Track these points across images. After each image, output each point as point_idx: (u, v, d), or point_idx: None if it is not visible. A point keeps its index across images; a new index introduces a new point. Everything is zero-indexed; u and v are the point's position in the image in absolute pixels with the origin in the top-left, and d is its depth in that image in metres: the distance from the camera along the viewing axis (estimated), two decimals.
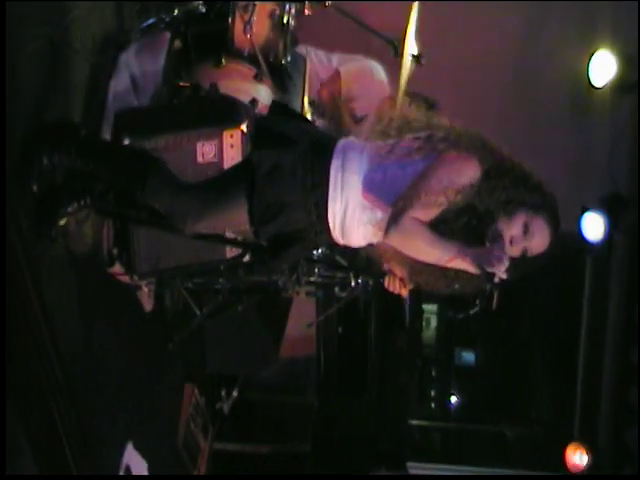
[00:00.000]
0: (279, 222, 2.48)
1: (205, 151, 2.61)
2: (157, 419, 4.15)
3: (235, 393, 5.25)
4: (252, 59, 3.38)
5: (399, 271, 2.67)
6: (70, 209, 2.70)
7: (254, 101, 3.14)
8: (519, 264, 2.36)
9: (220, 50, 3.36)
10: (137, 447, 3.68)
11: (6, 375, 2.64)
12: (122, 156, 2.63)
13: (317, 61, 3.99)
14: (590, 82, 4.83)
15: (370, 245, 2.56)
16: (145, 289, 3.78)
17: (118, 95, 3.25)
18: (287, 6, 3.42)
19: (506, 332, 6.96)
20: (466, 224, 2.35)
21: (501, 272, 2.24)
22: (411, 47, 3.50)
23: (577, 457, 5.41)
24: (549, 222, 2.38)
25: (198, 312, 4.33)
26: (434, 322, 7.27)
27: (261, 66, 3.36)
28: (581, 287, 5.64)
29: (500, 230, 2.34)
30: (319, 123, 3.90)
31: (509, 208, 2.35)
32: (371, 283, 4.09)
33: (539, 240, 2.38)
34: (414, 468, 5.83)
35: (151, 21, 3.55)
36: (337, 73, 3.97)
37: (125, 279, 3.30)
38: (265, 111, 3.08)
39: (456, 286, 2.46)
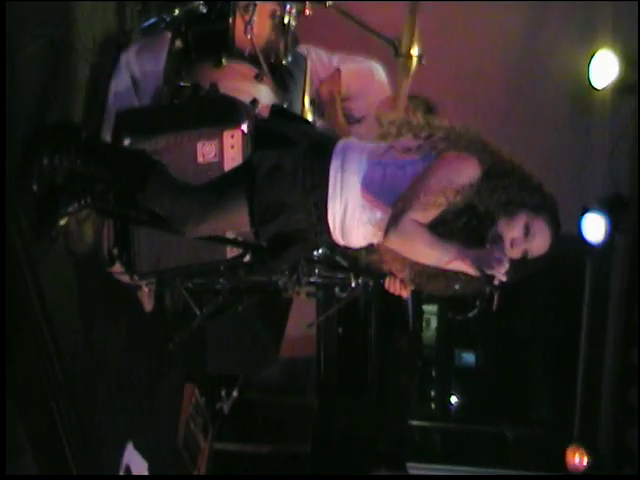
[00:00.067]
0: (279, 222, 2.49)
1: (205, 151, 2.62)
2: (157, 419, 4.15)
3: (235, 393, 5.25)
4: (253, 59, 3.38)
5: (399, 272, 2.67)
6: (70, 209, 2.71)
7: (255, 101, 3.15)
8: (519, 266, 2.35)
9: (221, 50, 3.37)
10: (137, 447, 3.68)
11: (6, 375, 2.64)
12: (123, 158, 2.63)
13: (318, 61, 3.98)
14: (590, 83, 4.82)
15: (370, 245, 2.56)
16: (145, 289, 3.78)
17: (119, 95, 3.25)
18: (288, 6, 3.43)
19: (506, 333, 6.96)
20: (466, 225, 2.35)
21: (501, 274, 2.24)
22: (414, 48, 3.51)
23: (577, 457, 5.41)
24: (550, 223, 2.38)
25: (198, 312, 4.33)
26: (434, 323, 7.27)
27: (262, 66, 3.36)
28: (581, 288, 5.64)
29: (500, 232, 2.34)
30: (320, 123, 3.90)
31: (510, 209, 2.34)
32: (371, 284, 4.09)
33: (540, 242, 2.38)
34: (414, 468, 5.83)
35: (152, 21, 3.55)
36: (338, 71, 3.97)
37: (125, 279, 3.30)
38: (266, 111, 3.09)
39: (456, 287, 2.46)
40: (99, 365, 3.36)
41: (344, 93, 3.98)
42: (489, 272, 2.24)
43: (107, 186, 2.69)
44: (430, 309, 7.18)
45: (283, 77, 3.60)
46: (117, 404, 3.53)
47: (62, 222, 2.73)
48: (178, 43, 3.46)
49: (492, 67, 5.02)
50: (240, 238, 2.82)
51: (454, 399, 7.73)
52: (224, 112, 2.71)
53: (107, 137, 2.94)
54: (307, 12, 3.54)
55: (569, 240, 4.26)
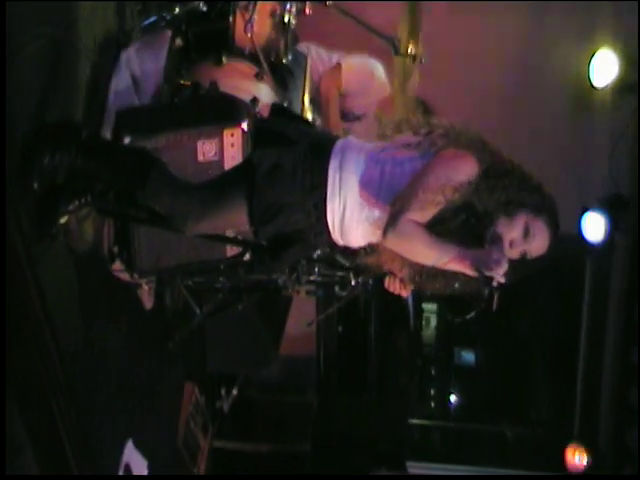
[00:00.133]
0: (278, 222, 2.49)
1: (206, 150, 2.62)
2: (157, 417, 4.15)
3: (235, 392, 5.25)
4: (253, 58, 3.38)
5: (398, 272, 2.67)
6: (71, 208, 2.71)
7: (255, 100, 3.15)
8: (518, 266, 2.35)
9: (221, 49, 3.37)
10: (137, 445, 3.68)
11: (6, 374, 2.64)
12: (123, 156, 2.63)
13: (318, 59, 3.99)
14: (590, 82, 4.83)
15: (369, 245, 2.56)
16: (145, 287, 3.78)
17: (119, 94, 3.25)
18: (288, 5, 3.43)
19: (506, 332, 6.96)
20: (464, 224, 2.34)
21: (499, 276, 2.23)
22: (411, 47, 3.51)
23: (577, 457, 5.42)
24: (549, 224, 2.37)
25: (198, 311, 4.33)
26: (434, 321, 7.27)
27: (262, 65, 3.36)
28: (581, 287, 5.64)
29: (500, 232, 2.33)
30: (319, 122, 3.90)
31: (509, 209, 2.34)
32: (371, 283, 4.09)
33: (539, 243, 2.37)
34: (414, 467, 5.84)
35: (152, 20, 3.55)
36: (339, 66, 3.97)
37: (125, 277, 3.30)
38: (266, 110, 3.09)
39: (455, 286, 2.45)
40: (99, 363, 3.36)
41: (344, 88, 3.99)
42: (487, 273, 2.24)
43: (107, 185, 2.69)
44: (430, 308, 7.18)
45: (283, 76, 3.61)
46: (117, 403, 3.53)
47: (62, 221, 2.74)
48: (178, 42, 3.46)
49: (492, 67, 5.02)
50: (240, 237, 2.82)
51: (454, 398, 7.73)
52: (224, 110, 2.72)
53: (107, 136, 2.94)
54: (307, 11, 3.54)
55: (569, 240, 4.28)
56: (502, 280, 2.25)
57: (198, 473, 4.76)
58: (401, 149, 2.47)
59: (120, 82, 3.26)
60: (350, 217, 2.46)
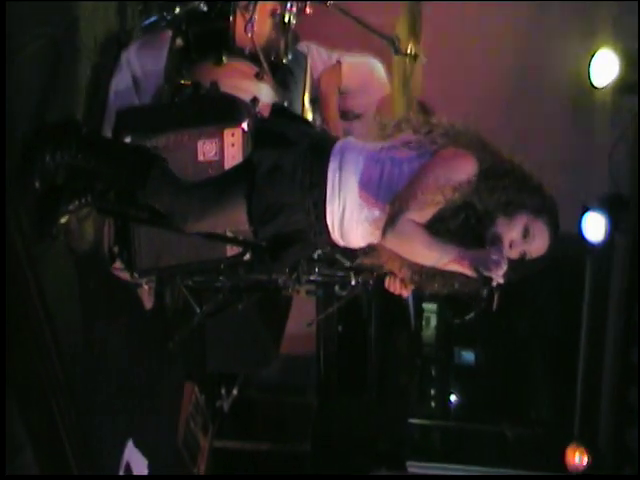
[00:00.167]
0: (278, 222, 2.49)
1: (206, 149, 2.62)
2: (157, 417, 4.15)
3: (235, 391, 5.25)
4: (253, 58, 3.38)
5: (398, 272, 2.67)
6: (71, 207, 2.71)
7: (255, 99, 3.15)
8: (517, 267, 2.35)
9: (221, 49, 3.37)
10: (137, 445, 3.68)
11: (7, 374, 2.65)
12: (123, 153, 2.64)
13: (318, 58, 3.99)
14: (591, 82, 4.83)
15: (369, 245, 2.56)
16: (145, 287, 3.79)
17: (119, 94, 3.25)
18: (288, 5, 3.43)
19: (506, 332, 6.95)
20: (464, 224, 2.34)
21: (498, 276, 2.23)
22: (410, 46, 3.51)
23: (577, 457, 5.41)
24: (549, 225, 2.37)
25: (198, 310, 4.33)
26: (434, 321, 7.26)
27: (262, 65, 3.36)
28: (581, 287, 5.64)
29: (499, 232, 2.33)
30: (319, 122, 3.90)
31: (509, 210, 2.33)
32: (371, 282, 4.09)
33: (539, 243, 2.37)
34: (414, 467, 5.84)
35: (153, 20, 3.56)
36: (338, 63, 3.97)
37: (125, 277, 3.30)
38: (266, 109, 3.09)
39: (454, 286, 2.45)
40: (99, 363, 3.37)
41: (343, 86, 3.99)
42: (486, 274, 2.23)
43: (107, 184, 2.69)
44: (430, 307, 7.18)
45: (284, 76, 3.61)
46: (117, 402, 3.54)
47: (63, 220, 2.74)
48: (179, 42, 3.46)
49: (492, 67, 5.03)
50: (240, 237, 2.82)
51: (454, 398, 7.73)
52: (224, 110, 2.72)
53: (108, 135, 2.95)
54: (307, 11, 3.54)
55: (569, 239, 4.27)
56: (501, 281, 2.24)
57: (198, 473, 4.76)
58: (400, 149, 2.47)
59: (121, 82, 3.27)
60: (350, 218, 2.46)
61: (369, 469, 5.45)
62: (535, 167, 2.43)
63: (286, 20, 3.42)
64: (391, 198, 2.39)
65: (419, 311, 6.93)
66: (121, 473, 3.54)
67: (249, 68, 3.39)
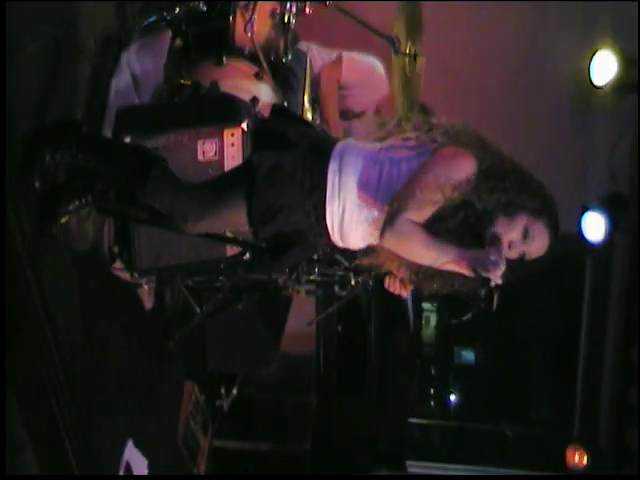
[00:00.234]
0: (278, 223, 2.49)
1: (206, 149, 2.63)
2: (157, 417, 4.16)
3: (235, 391, 5.25)
4: (253, 57, 3.39)
5: (398, 272, 2.67)
6: (71, 207, 2.71)
7: (255, 99, 3.15)
8: (516, 267, 2.35)
9: (221, 49, 3.37)
10: (137, 444, 3.68)
11: (7, 374, 2.65)
12: (123, 154, 2.64)
13: (318, 57, 3.98)
14: (591, 82, 4.82)
15: (369, 247, 2.56)
16: (145, 287, 3.79)
17: (119, 93, 3.25)
18: (288, 5, 3.43)
19: (506, 331, 6.95)
20: (464, 223, 2.34)
21: (496, 277, 2.22)
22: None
23: (577, 457, 5.41)
24: (549, 227, 2.37)
25: (198, 310, 4.33)
26: (434, 321, 7.26)
27: (262, 64, 3.36)
28: (581, 287, 5.64)
29: (499, 233, 2.33)
30: (319, 122, 3.90)
31: (509, 210, 2.33)
32: (371, 282, 4.09)
33: (538, 244, 2.37)
34: (413, 467, 5.84)
35: (152, 20, 3.56)
36: (339, 58, 3.96)
37: (125, 277, 3.30)
38: (266, 109, 3.09)
39: (453, 286, 2.45)
40: (99, 362, 3.37)
41: (344, 81, 3.98)
42: (485, 275, 2.23)
43: (108, 184, 2.69)
44: (429, 307, 7.18)
45: (284, 75, 3.61)
46: (117, 402, 3.54)
47: (63, 220, 2.74)
48: (178, 41, 3.46)
49: (492, 67, 5.02)
50: (240, 237, 2.82)
51: (453, 397, 7.72)
52: (224, 110, 2.73)
53: (108, 135, 2.95)
54: (307, 10, 3.54)
55: (569, 239, 4.27)
56: (499, 282, 2.24)
57: (198, 472, 4.76)
58: (399, 149, 2.47)
59: (121, 82, 3.27)
60: (349, 219, 2.46)
61: (369, 469, 5.45)
62: (535, 167, 2.44)
63: (286, 20, 3.43)
64: (390, 198, 2.39)
65: (419, 311, 6.93)
66: (121, 473, 3.54)
67: (249, 68, 3.39)
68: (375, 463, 5.51)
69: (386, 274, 2.78)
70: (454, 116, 2.53)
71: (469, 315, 2.40)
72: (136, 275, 3.14)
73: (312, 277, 4.13)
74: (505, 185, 2.33)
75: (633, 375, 5.20)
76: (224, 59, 3.35)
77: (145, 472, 3.79)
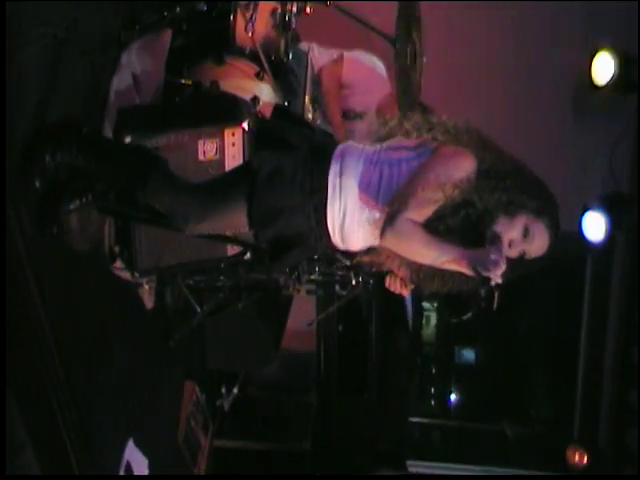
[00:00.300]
0: (278, 226, 2.49)
1: (207, 149, 2.63)
2: (158, 416, 4.15)
3: (235, 390, 5.25)
4: (253, 57, 3.38)
5: (399, 271, 2.67)
6: (72, 207, 2.71)
7: (255, 99, 3.15)
8: (516, 266, 2.35)
9: (221, 48, 3.37)
10: (138, 444, 3.68)
11: (7, 374, 2.65)
12: (124, 155, 2.64)
13: (319, 57, 3.99)
14: (591, 81, 4.82)
15: (370, 248, 2.56)
16: (146, 286, 3.79)
17: (120, 93, 3.25)
18: (288, 4, 3.43)
19: (506, 331, 6.95)
20: (464, 222, 2.34)
21: (497, 276, 2.23)
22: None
23: (577, 457, 5.42)
24: (549, 226, 2.37)
25: (199, 310, 4.33)
26: (434, 320, 7.26)
27: (262, 64, 3.36)
28: (582, 286, 5.64)
29: (499, 232, 2.33)
30: (320, 122, 3.90)
31: (510, 210, 2.34)
32: (372, 282, 4.09)
33: (539, 244, 2.37)
34: (414, 466, 5.84)
35: (153, 19, 3.55)
36: (340, 56, 3.96)
37: (126, 276, 3.30)
38: (267, 109, 3.09)
39: (453, 286, 2.45)
40: (99, 362, 3.37)
41: (345, 80, 3.98)
42: (485, 274, 2.24)
43: (108, 184, 2.69)
44: (430, 306, 7.18)
45: (285, 75, 3.61)
46: (118, 401, 3.53)
47: (63, 220, 2.74)
48: (179, 41, 3.46)
49: (492, 66, 5.02)
50: (240, 238, 2.82)
51: (454, 396, 7.72)
52: (225, 110, 2.72)
53: (109, 135, 2.95)
54: (308, 10, 3.54)
55: (569, 239, 4.26)
56: (499, 281, 2.24)
57: (198, 472, 4.76)
58: (400, 150, 2.47)
59: (121, 82, 3.27)
60: (350, 221, 2.46)
61: (369, 469, 5.45)
62: (535, 167, 2.44)
63: (286, 20, 3.42)
64: (390, 199, 2.39)
65: (419, 310, 6.93)
66: (121, 473, 3.54)
67: (249, 68, 3.39)
68: (375, 463, 5.51)
69: (387, 273, 2.78)
70: (454, 116, 2.53)
71: (470, 314, 2.40)
72: (137, 275, 3.14)
73: (313, 277, 4.13)
74: (506, 184, 2.34)
75: (633, 375, 5.20)
76: (225, 59, 3.35)
77: (145, 472, 3.79)
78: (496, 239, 2.33)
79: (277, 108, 3.06)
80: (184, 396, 4.63)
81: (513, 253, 2.35)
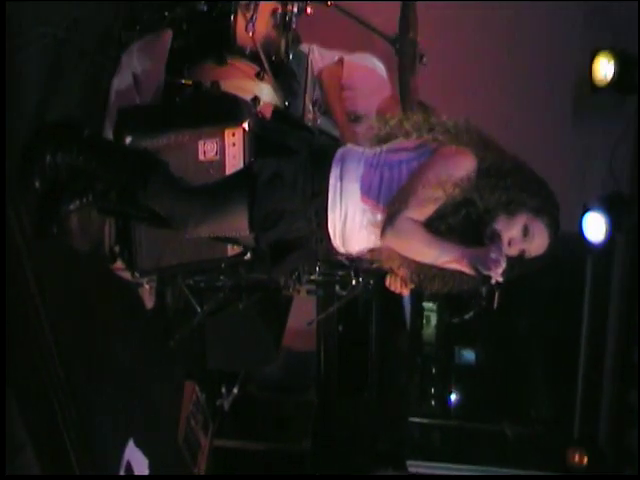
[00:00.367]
0: (279, 230, 2.50)
1: (207, 149, 2.62)
2: (158, 416, 4.15)
3: (235, 390, 5.25)
4: (254, 57, 3.38)
5: (400, 270, 2.67)
6: (72, 207, 2.71)
7: (256, 99, 3.15)
8: (516, 264, 2.36)
9: (222, 48, 3.37)
10: (138, 444, 3.68)
11: (7, 374, 2.65)
12: (124, 157, 2.64)
13: (320, 58, 3.98)
14: (591, 82, 4.82)
15: (371, 250, 2.56)
16: (146, 286, 3.79)
17: (120, 93, 3.25)
18: (289, 5, 3.43)
19: (506, 331, 6.95)
20: (464, 220, 2.35)
21: (497, 275, 2.23)
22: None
23: (577, 457, 5.41)
24: (549, 226, 2.38)
25: (199, 309, 4.33)
26: (434, 320, 7.26)
27: (263, 64, 3.36)
28: (582, 287, 5.64)
29: (499, 230, 2.34)
30: (321, 121, 3.90)
31: (510, 208, 2.34)
32: (372, 282, 4.09)
33: (538, 243, 2.38)
34: (413, 466, 5.84)
35: (153, 19, 3.56)
36: (340, 59, 3.96)
37: (126, 276, 3.30)
38: (267, 109, 3.09)
39: (453, 285, 2.46)
40: (100, 362, 3.37)
41: (345, 83, 3.97)
42: (486, 272, 2.24)
43: (109, 184, 2.69)
44: (430, 306, 7.18)
45: (286, 75, 3.61)
46: (118, 401, 3.54)
47: (63, 220, 2.74)
48: (180, 41, 3.46)
49: (492, 67, 5.02)
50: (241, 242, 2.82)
51: (454, 396, 7.72)
52: (225, 110, 2.72)
53: (109, 135, 2.95)
54: (308, 11, 3.54)
55: (570, 239, 4.27)
56: (500, 279, 2.25)
57: (198, 472, 4.76)
58: (399, 151, 2.48)
59: (121, 82, 3.27)
60: (351, 224, 2.47)
61: (369, 468, 5.45)
62: (535, 167, 2.44)
63: (287, 20, 3.42)
64: (391, 199, 2.39)
65: (419, 310, 6.94)
66: (122, 473, 3.54)
67: (250, 68, 3.39)
68: (375, 463, 5.51)
69: (387, 273, 2.78)
70: (454, 116, 2.53)
71: (471, 313, 2.40)
72: (137, 275, 3.13)
73: (313, 277, 4.13)
74: (506, 183, 2.34)
75: (633, 375, 5.20)
76: (225, 59, 3.35)
77: (146, 472, 3.79)
78: (496, 237, 2.33)
79: (276, 112, 3.06)
80: (184, 396, 4.63)
81: (513, 252, 2.36)
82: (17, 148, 2.58)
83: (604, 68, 4.74)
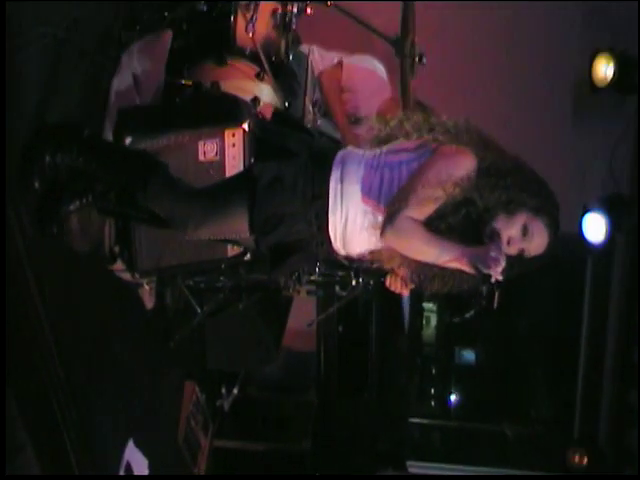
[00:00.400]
0: (279, 233, 2.51)
1: (207, 150, 2.62)
2: (158, 416, 4.15)
3: (235, 390, 5.25)
4: (254, 58, 3.38)
5: (400, 270, 2.67)
6: (72, 207, 2.71)
7: (256, 99, 3.15)
8: (515, 263, 2.36)
9: (222, 49, 3.37)
10: (138, 444, 3.68)
11: (7, 374, 2.65)
12: (124, 158, 2.64)
13: (320, 59, 3.98)
14: (591, 82, 4.82)
15: (371, 252, 2.56)
16: (146, 287, 3.79)
17: (120, 94, 3.25)
18: (289, 5, 3.43)
19: (506, 331, 6.95)
20: (464, 220, 2.35)
21: (497, 273, 2.24)
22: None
23: (577, 457, 5.41)
24: (549, 225, 2.38)
25: (199, 310, 4.33)
26: (434, 320, 7.26)
27: (263, 65, 3.36)
28: (582, 287, 5.64)
29: (498, 229, 2.34)
30: (321, 122, 3.90)
31: (510, 208, 2.35)
32: (372, 282, 4.09)
33: (537, 242, 2.38)
34: (414, 467, 5.84)
35: (153, 20, 3.56)
36: (340, 62, 3.96)
37: (126, 277, 3.30)
38: (267, 109, 3.09)
39: (453, 284, 2.46)
40: (99, 362, 3.37)
41: (344, 85, 3.97)
42: (485, 271, 2.24)
43: (108, 185, 2.69)
44: (430, 307, 7.18)
45: (286, 76, 3.60)
46: (118, 401, 3.54)
47: (63, 220, 2.74)
48: (180, 42, 3.46)
49: (491, 67, 5.02)
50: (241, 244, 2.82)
51: (454, 397, 7.72)
52: (225, 110, 2.72)
53: (109, 136, 2.95)
54: (308, 11, 3.54)
55: (570, 240, 4.27)
56: (500, 278, 2.25)
57: (198, 472, 4.76)
58: (399, 152, 2.48)
59: (121, 82, 3.27)
60: (352, 226, 2.47)
61: (369, 468, 5.45)
62: (535, 167, 2.44)
63: (287, 20, 3.42)
64: (391, 199, 2.40)
65: (419, 310, 6.94)
66: (122, 473, 3.54)
67: (250, 68, 3.39)
68: (375, 463, 5.51)
69: (387, 273, 2.78)
70: (454, 116, 2.53)
71: (471, 312, 2.41)
72: (137, 275, 3.14)
73: (313, 277, 4.13)
74: (506, 182, 2.35)
75: (633, 375, 5.20)
76: (225, 59, 3.35)
77: (146, 472, 3.79)
78: (495, 236, 2.34)
79: (276, 114, 3.06)
80: (184, 396, 4.63)
81: (512, 251, 2.36)
82: (17, 148, 2.58)
83: (604, 69, 4.74)
